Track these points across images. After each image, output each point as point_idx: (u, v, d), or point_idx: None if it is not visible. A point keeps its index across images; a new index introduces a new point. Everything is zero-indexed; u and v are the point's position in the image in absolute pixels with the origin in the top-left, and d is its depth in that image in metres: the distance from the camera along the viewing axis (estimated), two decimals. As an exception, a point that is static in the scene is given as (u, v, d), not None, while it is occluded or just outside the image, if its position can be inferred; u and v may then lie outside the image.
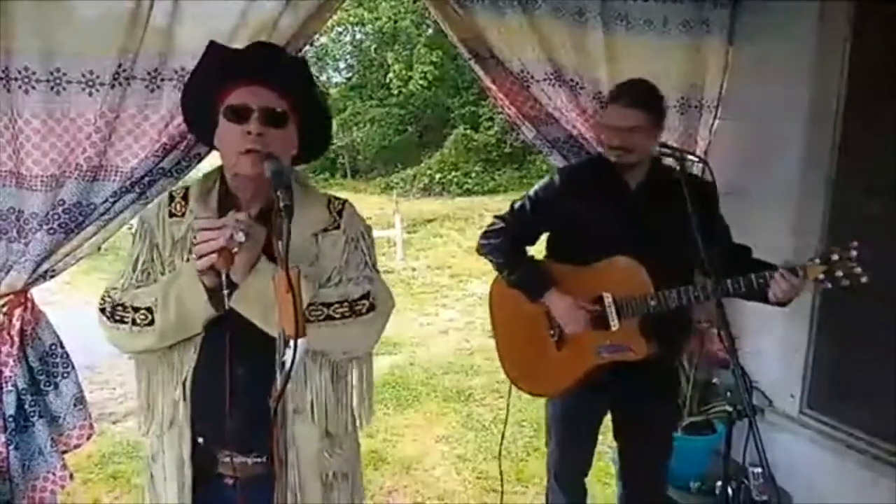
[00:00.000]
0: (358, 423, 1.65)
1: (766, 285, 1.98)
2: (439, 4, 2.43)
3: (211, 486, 1.54)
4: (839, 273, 1.91)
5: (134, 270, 1.54)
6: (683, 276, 2.29)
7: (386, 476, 3.64)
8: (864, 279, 1.88)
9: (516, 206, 2.34)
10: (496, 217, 2.38)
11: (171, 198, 1.57)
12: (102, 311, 1.49)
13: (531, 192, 2.34)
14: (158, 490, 1.60)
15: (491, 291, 2.42)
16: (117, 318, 1.47)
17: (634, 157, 2.14)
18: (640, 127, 2.12)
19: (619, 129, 2.12)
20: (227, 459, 1.49)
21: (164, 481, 1.57)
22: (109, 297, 1.50)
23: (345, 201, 1.61)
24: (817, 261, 1.93)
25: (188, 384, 1.49)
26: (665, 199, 2.11)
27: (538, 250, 2.39)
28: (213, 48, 1.58)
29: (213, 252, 1.30)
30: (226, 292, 1.34)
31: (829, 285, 1.92)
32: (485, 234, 2.36)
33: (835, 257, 1.91)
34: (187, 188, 1.58)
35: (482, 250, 2.35)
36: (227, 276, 1.33)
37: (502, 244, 2.30)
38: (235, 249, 1.30)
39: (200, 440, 1.52)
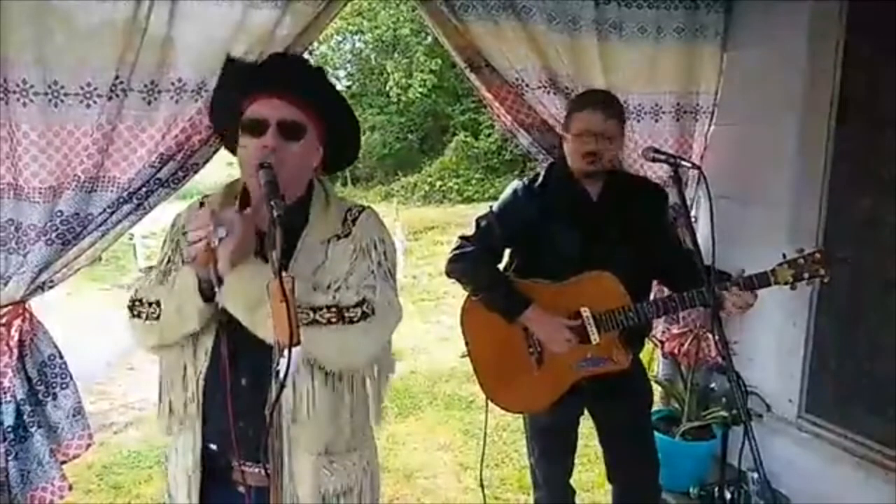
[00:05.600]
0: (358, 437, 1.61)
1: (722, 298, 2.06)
2: (435, 14, 2.46)
3: (225, 492, 1.54)
4: (805, 274, 2.03)
5: (159, 269, 1.56)
6: (646, 284, 2.34)
7: (387, 485, 3.62)
8: (826, 279, 2.03)
9: (482, 224, 2.27)
10: (461, 238, 2.29)
11: (201, 204, 1.59)
12: (128, 308, 1.53)
13: (496, 208, 2.29)
14: (172, 492, 1.60)
15: (462, 311, 2.31)
16: (135, 312, 1.51)
17: (602, 164, 2.17)
18: (612, 134, 2.17)
19: (594, 135, 2.14)
20: (238, 467, 1.49)
21: (177, 483, 1.58)
22: (134, 292, 1.53)
23: (363, 209, 1.60)
24: (786, 266, 2.04)
25: (199, 386, 1.49)
26: (625, 208, 2.21)
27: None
28: (230, 63, 1.63)
29: (195, 243, 1.33)
30: (217, 289, 1.37)
31: (797, 286, 2.06)
32: (453, 258, 2.27)
33: (801, 261, 2.03)
34: (218, 194, 1.61)
35: (452, 274, 2.27)
36: (216, 270, 1.36)
37: (473, 267, 2.24)
38: (214, 244, 1.32)
39: (213, 446, 1.53)
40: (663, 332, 3.15)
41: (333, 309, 1.38)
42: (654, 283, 2.48)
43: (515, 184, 2.32)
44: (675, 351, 3.07)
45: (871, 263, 2.55)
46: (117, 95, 1.98)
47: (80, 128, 1.98)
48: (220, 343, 1.45)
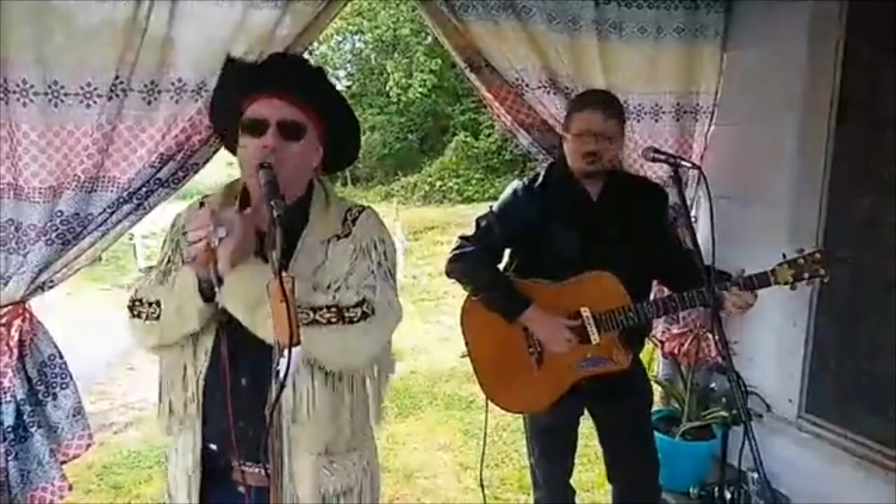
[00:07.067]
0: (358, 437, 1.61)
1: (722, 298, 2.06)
2: (435, 14, 2.46)
3: (225, 492, 1.54)
4: (805, 274, 2.02)
5: (159, 269, 1.57)
6: (646, 284, 2.35)
7: (387, 485, 3.62)
8: (826, 279, 2.03)
9: (482, 224, 2.27)
10: (461, 238, 2.29)
11: (201, 204, 1.59)
12: (128, 308, 1.53)
13: (496, 208, 2.29)
14: (172, 492, 1.60)
15: (462, 311, 2.31)
16: (135, 312, 1.51)
17: (602, 164, 2.17)
18: (612, 134, 2.17)
19: (594, 135, 2.14)
20: (238, 467, 1.49)
21: (177, 483, 1.58)
22: (134, 292, 1.53)
23: (363, 209, 1.60)
24: (786, 266, 2.04)
25: (199, 386, 1.49)
26: (625, 208, 2.22)
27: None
28: (230, 63, 1.64)
29: (195, 243, 1.33)
30: (217, 289, 1.37)
31: (797, 286, 2.06)
32: (453, 258, 2.26)
33: (801, 261, 2.03)
34: (218, 194, 1.61)
35: (452, 274, 2.27)
36: (216, 270, 1.36)
37: (473, 266, 2.24)
38: (214, 244, 1.32)
39: (213, 447, 1.53)
40: (663, 332, 3.15)
41: (333, 309, 1.38)
42: (654, 283, 2.48)
43: (515, 184, 2.32)
44: (675, 351, 3.07)
45: (871, 263, 2.55)
46: (117, 95, 1.98)
47: (80, 128, 1.97)
48: (220, 343, 1.45)
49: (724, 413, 3.00)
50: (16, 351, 2.02)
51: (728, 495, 2.91)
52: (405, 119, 18.55)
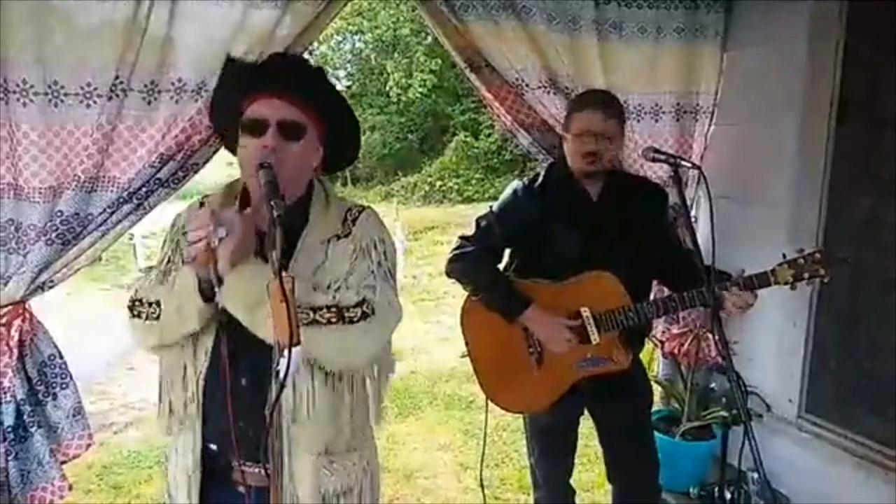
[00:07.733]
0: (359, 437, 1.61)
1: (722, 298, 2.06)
2: (435, 14, 2.46)
3: (225, 492, 1.54)
4: (805, 274, 2.02)
5: (159, 269, 1.57)
6: (646, 284, 2.35)
7: (387, 485, 3.62)
8: (826, 279, 2.03)
9: (482, 224, 2.27)
10: (461, 238, 2.29)
11: (201, 204, 1.59)
12: (128, 308, 1.53)
13: (496, 208, 2.29)
14: (172, 492, 1.60)
15: (462, 311, 2.31)
16: (135, 312, 1.51)
17: (602, 164, 2.17)
18: (612, 134, 2.17)
19: (594, 135, 2.14)
20: (238, 467, 1.49)
21: (177, 483, 1.58)
22: (134, 292, 1.54)
23: (363, 209, 1.60)
24: (786, 266, 2.04)
25: (199, 386, 1.49)
26: (625, 208, 2.22)
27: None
28: (230, 63, 1.64)
29: (195, 243, 1.33)
30: (217, 289, 1.37)
31: (797, 286, 2.06)
32: (453, 258, 2.27)
33: (801, 261, 2.03)
34: (218, 194, 1.61)
35: (452, 274, 2.27)
36: (216, 270, 1.36)
37: (473, 267, 2.24)
38: (214, 244, 1.32)
39: (213, 447, 1.53)
40: (663, 332, 3.15)
41: (333, 309, 1.38)
42: (654, 283, 2.48)
43: (515, 184, 2.32)
44: (675, 351, 3.07)
45: (871, 263, 2.55)
46: (117, 95, 1.99)
47: (80, 128, 1.98)
48: (220, 343, 1.45)
49: (724, 413, 3.00)
50: (16, 351, 2.02)
51: (728, 495, 2.91)
52: (405, 119, 18.55)
